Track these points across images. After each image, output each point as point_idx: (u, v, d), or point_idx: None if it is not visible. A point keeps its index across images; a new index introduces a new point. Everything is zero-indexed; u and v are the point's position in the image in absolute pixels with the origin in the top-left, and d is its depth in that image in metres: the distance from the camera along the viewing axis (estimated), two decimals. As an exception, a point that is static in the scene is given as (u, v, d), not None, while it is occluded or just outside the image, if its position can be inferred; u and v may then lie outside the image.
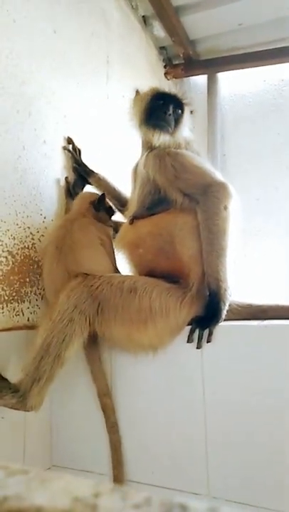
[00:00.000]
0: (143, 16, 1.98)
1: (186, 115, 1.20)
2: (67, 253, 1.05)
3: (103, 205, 1.20)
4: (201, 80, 2.27)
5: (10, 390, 0.90)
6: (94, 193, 1.26)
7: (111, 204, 1.28)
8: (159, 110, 1.15)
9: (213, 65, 2.16)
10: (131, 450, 1.04)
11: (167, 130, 1.14)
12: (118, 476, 1.01)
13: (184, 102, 1.19)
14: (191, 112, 1.26)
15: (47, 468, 1.11)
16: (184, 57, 2.16)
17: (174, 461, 0.99)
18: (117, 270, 1.14)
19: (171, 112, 1.15)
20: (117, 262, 1.16)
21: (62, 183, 1.33)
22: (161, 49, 2.20)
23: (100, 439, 1.04)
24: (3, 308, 1.04)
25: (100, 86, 1.59)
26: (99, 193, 1.24)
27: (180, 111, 1.18)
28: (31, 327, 1.09)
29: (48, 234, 1.18)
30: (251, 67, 2.10)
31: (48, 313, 0.97)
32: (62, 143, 1.34)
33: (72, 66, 1.42)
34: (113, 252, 1.16)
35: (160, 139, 1.14)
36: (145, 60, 2.02)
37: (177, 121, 1.17)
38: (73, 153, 1.36)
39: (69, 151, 1.35)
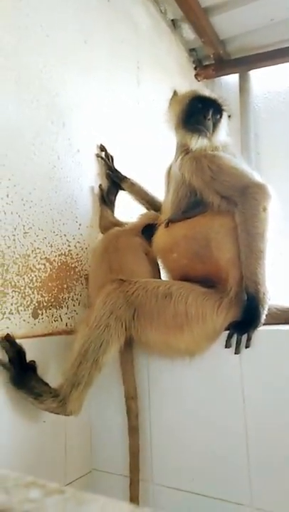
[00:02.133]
0: (172, 20, 1.99)
1: (225, 120, 1.19)
2: (112, 253, 1.13)
3: (147, 234, 1.21)
4: (232, 79, 2.24)
5: (50, 394, 0.92)
6: (153, 216, 1.27)
7: None
8: (198, 114, 1.15)
9: (245, 63, 2.12)
10: (169, 456, 1.03)
11: (205, 134, 1.13)
12: (133, 481, 1.01)
13: (223, 107, 1.18)
14: (229, 116, 1.24)
15: (87, 472, 1.12)
16: (214, 58, 2.14)
17: (215, 469, 0.97)
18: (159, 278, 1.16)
19: (210, 116, 1.14)
20: (160, 272, 1.19)
21: (97, 190, 1.35)
22: (191, 51, 2.19)
23: (140, 444, 1.04)
24: (42, 314, 1.07)
25: (130, 91, 1.61)
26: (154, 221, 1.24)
27: (219, 115, 1.17)
28: (70, 332, 1.11)
29: (100, 239, 1.26)
30: (284, 62, 2.04)
31: (86, 319, 0.99)
32: (96, 151, 1.36)
33: (103, 74, 1.44)
34: (157, 264, 1.19)
35: (198, 143, 1.13)
36: (175, 63, 2.02)
37: (215, 125, 1.16)
38: (106, 160, 1.38)
39: (102, 158, 1.37)
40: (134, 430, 1.03)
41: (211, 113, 1.15)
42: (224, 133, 1.20)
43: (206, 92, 1.21)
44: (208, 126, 1.14)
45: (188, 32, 2.04)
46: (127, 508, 0.20)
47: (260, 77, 2.17)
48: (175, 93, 1.25)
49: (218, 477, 0.96)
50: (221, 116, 1.18)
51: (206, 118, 1.14)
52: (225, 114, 1.20)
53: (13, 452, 0.91)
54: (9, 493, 0.21)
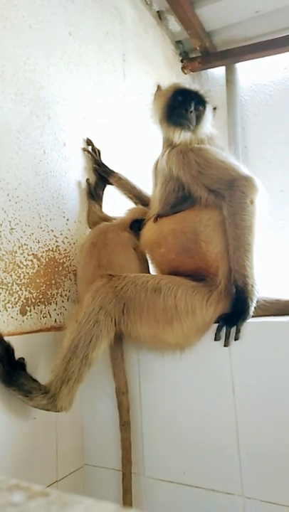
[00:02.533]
0: (158, 11, 1.97)
1: (209, 112, 1.18)
2: (101, 248, 1.12)
3: (135, 229, 1.21)
4: (219, 71, 2.23)
5: (40, 391, 0.91)
6: (142, 211, 1.26)
7: None
8: (180, 107, 1.14)
9: (231, 55, 2.12)
10: (161, 449, 1.04)
11: (188, 127, 1.13)
12: (126, 475, 1.01)
13: (205, 98, 1.17)
14: (214, 108, 1.23)
15: (79, 467, 1.12)
16: (200, 50, 2.13)
17: (206, 460, 0.98)
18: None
19: (192, 109, 1.13)
20: (149, 267, 1.19)
21: (84, 184, 1.34)
22: (178, 43, 2.18)
23: (132, 438, 1.05)
24: (30, 311, 1.06)
25: (116, 85, 1.59)
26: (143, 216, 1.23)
27: (202, 107, 1.16)
28: (59, 328, 1.11)
29: (88, 234, 1.25)
30: (270, 55, 2.04)
31: (75, 314, 0.98)
32: (82, 144, 1.35)
33: (89, 67, 1.42)
34: (146, 259, 1.18)
35: (181, 136, 1.12)
36: (161, 56, 2.00)
37: (199, 117, 1.15)
38: (93, 154, 1.36)
39: (89, 152, 1.36)
40: (126, 425, 1.04)
41: (193, 105, 1.14)
42: (209, 125, 1.19)
43: (189, 85, 1.19)
44: (190, 119, 1.13)
45: (174, 24, 2.02)
46: (111, 509, 0.20)
47: (246, 69, 2.16)
48: (159, 88, 1.24)
49: (209, 468, 0.97)
50: (204, 108, 1.16)
51: (188, 111, 1.13)
52: (209, 106, 1.18)
53: (4, 449, 0.90)
54: (-9, 497, 0.20)
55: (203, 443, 0.99)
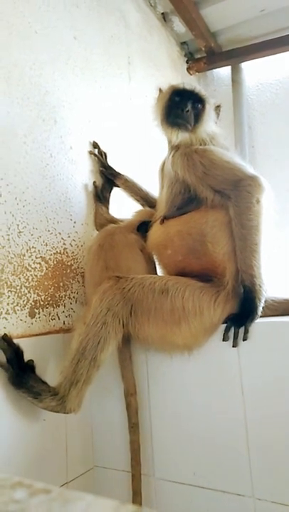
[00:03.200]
0: (162, 13, 1.97)
1: (208, 109, 1.16)
2: (108, 250, 1.13)
3: (142, 230, 1.21)
4: (224, 71, 2.23)
5: (49, 393, 0.92)
6: (149, 213, 1.26)
7: None
8: (176, 107, 1.14)
9: (236, 55, 2.11)
10: (171, 451, 1.04)
11: (186, 127, 1.12)
12: (135, 476, 1.01)
13: (201, 96, 1.16)
14: (218, 106, 1.23)
15: (89, 469, 1.13)
16: (205, 51, 2.13)
17: (216, 461, 0.98)
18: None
19: (189, 108, 1.12)
20: (156, 269, 1.20)
21: (91, 187, 1.35)
22: (183, 44, 2.18)
23: (141, 440, 1.05)
24: (39, 313, 1.07)
25: (122, 88, 1.60)
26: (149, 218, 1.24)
27: (200, 106, 1.15)
28: (67, 330, 1.11)
29: (96, 236, 1.26)
30: (276, 53, 2.03)
31: (83, 316, 0.99)
32: (89, 148, 1.35)
33: (94, 70, 1.43)
34: (153, 260, 1.19)
35: (179, 136, 1.12)
36: (167, 57, 2.01)
37: (198, 116, 1.14)
38: (99, 157, 1.37)
39: (95, 155, 1.36)
40: (134, 426, 1.04)
41: (190, 104, 1.13)
42: (211, 123, 1.18)
43: (186, 85, 1.18)
44: (187, 118, 1.12)
45: (178, 25, 2.03)
46: (111, 506, 0.20)
47: (252, 69, 2.16)
48: (160, 91, 1.24)
49: (219, 469, 0.97)
50: (203, 107, 1.15)
51: (184, 110, 1.12)
52: (209, 104, 1.17)
53: (15, 451, 0.91)
54: (-6, 495, 0.21)
55: (213, 444, 0.98)
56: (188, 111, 1.12)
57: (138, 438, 1.03)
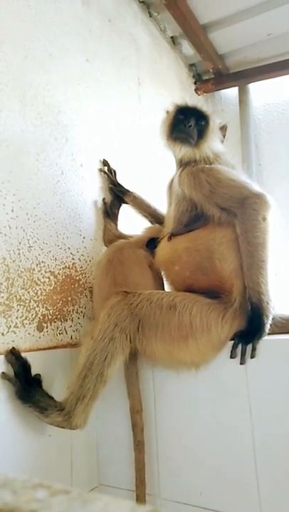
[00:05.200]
0: (171, 37, 2.04)
1: (212, 126, 1.19)
2: (117, 265, 1.13)
3: (150, 246, 1.23)
4: (232, 92, 2.28)
5: (56, 408, 0.92)
6: (158, 230, 1.27)
7: None
8: (180, 124, 1.17)
9: (243, 76, 2.16)
10: (176, 470, 1.02)
11: (189, 142, 1.15)
12: (139, 496, 0.99)
13: (204, 112, 1.19)
14: (224, 126, 1.25)
15: (94, 487, 1.11)
16: (213, 72, 2.19)
17: (223, 482, 0.96)
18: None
19: (192, 123, 1.15)
20: (164, 285, 1.20)
21: (100, 204, 1.37)
22: (191, 66, 2.24)
23: (147, 459, 1.03)
24: (47, 327, 1.07)
25: (132, 107, 1.64)
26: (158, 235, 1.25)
27: (203, 122, 1.18)
28: (74, 345, 1.12)
29: (105, 251, 1.28)
30: (282, 75, 2.08)
31: (91, 331, 0.99)
32: (99, 165, 1.39)
33: (105, 91, 1.48)
34: (161, 276, 1.19)
35: (182, 150, 1.15)
36: (175, 78, 2.06)
37: (201, 132, 1.16)
38: (109, 174, 1.40)
39: (105, 172, 1.39)
40: (140, 445, 1.02)
41: (192, 120, 1.16)
42: (217, 141, 1.20)
43: (189, 103, 1.21)
44: (190, 133, 1.15)
45: (187, 48, 2.09)
46: (128, 506, 0.20)
47: (258, 89, 2.20)
48: (167, 112, 1.27)
49: (226, 490, 0.95)
50: (207, 123, 1.18)
51: (187, 125, 1.15)
52: (213, 121, 1.19)
53: (19, 466, 0.90)
54: (17, 494, 0.21)
55: (220, 464, 0.97)
56: (190, 126, 1.15)
57: (143, 457, 1.02)
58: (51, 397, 0.94)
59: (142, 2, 1.81)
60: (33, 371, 0.94)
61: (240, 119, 2.17)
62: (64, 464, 1.03)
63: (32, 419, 0.93)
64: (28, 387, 0.91)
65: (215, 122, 1.21)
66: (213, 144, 1.18)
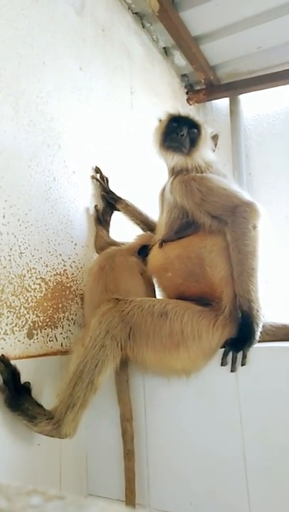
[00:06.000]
0: (164, 48, 2.07)
1: (204, 135, 1.20)
2: (108, 272, 1.13)
3: (142, 253, 1.23)
4: (223, 102, 2.32)
5: (45, 416, 0.91)
6: (151, 238, 1.27)
7: None
8: (172, 132, 1.18)
9: (234, 87, 2.20)
10: (167, 479, 1.01)
11: (181, 150, 1.16)
12: (129, 506, 0.98)
13: (196, 121, 1.20)
14: (215, 135, 1.27)
15: (83, 498, 1.09)
16: (205, 83, 2.22)
17: (213, 491, 0.95)
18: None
19: (184, 132, 1.17)
20: (155, 292, 1.20)
21: (92, 210, 1.37)
22: (183, 76, 2.27)
23: (137, 468, 1.02)
24: (37, 334, 1.06)
25: (124, 115, 1.66)
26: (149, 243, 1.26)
27: (195, 131, 1.19)
28: (65, 352, 1.11)
29: (96, 258, 1.27)
30: (272, 87, 2.12)
31: (81, 339, 0.98)
32: (91, 172, 1.39)
33: (98, 99, 1.49)
34: (152, 283, 1.20)
35: (174, 159, 1.17)
36: (168, 88, 2.09)
37: (193, 141, 1.18)
38: (101, 181, 1.41)
39: (97, 179, 1.40)
40: (130, 453, 1.02)
41: (185, 129, 1.18)
42: (208, 150, 1.22)
43: (181, 112, 1.23)
44: (182, 142, 1.16)
45: (179, 59, 2.12)
46: (124, 511, 0.20)
47: (249, 100, 2.24)
48: (160, 121, 1.29)
49: (216, 500, 0.95)
50: (199, 132, 1.19)
51: (179, 134, 1.17)
52: (204, 130, 1.21)
53: (7, 476, 0.89)
54: (11, 500, 0.21)
55: (211, 473, 0.96)
56: (183, 135, 1.17)
57: (133, 466, 1.01)
58: (40, 406, 0.93)
59: (136, 13, 1.83)
60: (23, 379, 0.93)
61: (231, 129, 2.20)
62: (53, 473, 1.02)
63: (20, 428, 0.92)
64: (17, 395, 0.90)
65: (207, 132, 1.22)
66: (205, 152, 1.20)
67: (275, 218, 1.83)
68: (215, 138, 1.28)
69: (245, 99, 2.24)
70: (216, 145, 1.28)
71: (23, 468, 0.93)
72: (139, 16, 1.86)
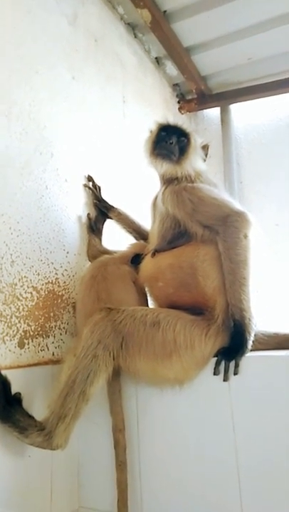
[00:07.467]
0: (156, 57, 2.09)
1: (194, 144, 1.21)
2: (101, 281, 1.13)
3: (135, 262, 1.23)
4: (214, 112, 2.34)
5: (36, 428, 0.90)
6: (143, 246, 1.27)
7: None
8: (162, 141, 1.20)
9: (225, 97, 2.23)
10: (159, 491, 1.00)
11: (170, 158, 1.17)
12: None
13: (185, 130, 1.22)
14: (206, 145, 1.28)
15: (74, 510, 1.08)
16: (196, 92, 2.25)
17: (207, 502, 0.94)
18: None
19: (173, 141, 1.18)
20: (148, 301, 1.20)
21: (84, 219, 1.37)
22: (175, 86, 2.30)
23: (129, 479, 1.01)
24: (28, 344, 1.05)
25: (117, 124, 1.66)
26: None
27: (185, 139, 1.20)
28: (56, 362, 1.10)
29: (88, 266, 1.27)
30: (262, 97, 2.16)
31: (73, 348, 0.98)
32: (83, 180, 1.39)
33: (90, 108, 1.49)
34: (145, 292, 1.19)
35: (163, 166, 1.18)
36: (159, 97, 2.11)
37: (183, 149, 1.19)
38: (94, 190, 1.41)
39: (89, 188, 1.40)
40: (122, 465, 1.00)
41: (174, 138, 1.19)
42: (198, 159, 1.22)
43: (170, 121, 1.25)
44: (171, 150, 1.18)
45: (171, 68, 2.15)
46: None
47: (240, 110, 2.27)
48: (150, 131, 1.30)
49: (211, 510, 0.94)
50: (188, 141, 1.20)
51: (168, 142, 1.18)
52: (194, 139, 1.22)
53: (-3, 491, 0.87)
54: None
55: (204, 484, 0.96)
56: (172, 143, 1.18)
57: (125, 478, 1.00)
58: (31, 417, 0.92)
59: (128, 24, 1.85)
60: (14, 389, 0.92)
61: (222, 138, 2.23)
62: (44, 485, 1.00)
63: (11, 439, 0.90)
64: (7, 406, 0.89)
65: (196, 141, 1.23)
66: (195, 161, 1.21)
67: (265, 226, 1.85)
68: (205, 148, 1.29)
69: (236, 108, 2.28)
70: (206, 154, 1.30)
71: (14, 481, 0.91)
72: (132, 27, 1.88)
